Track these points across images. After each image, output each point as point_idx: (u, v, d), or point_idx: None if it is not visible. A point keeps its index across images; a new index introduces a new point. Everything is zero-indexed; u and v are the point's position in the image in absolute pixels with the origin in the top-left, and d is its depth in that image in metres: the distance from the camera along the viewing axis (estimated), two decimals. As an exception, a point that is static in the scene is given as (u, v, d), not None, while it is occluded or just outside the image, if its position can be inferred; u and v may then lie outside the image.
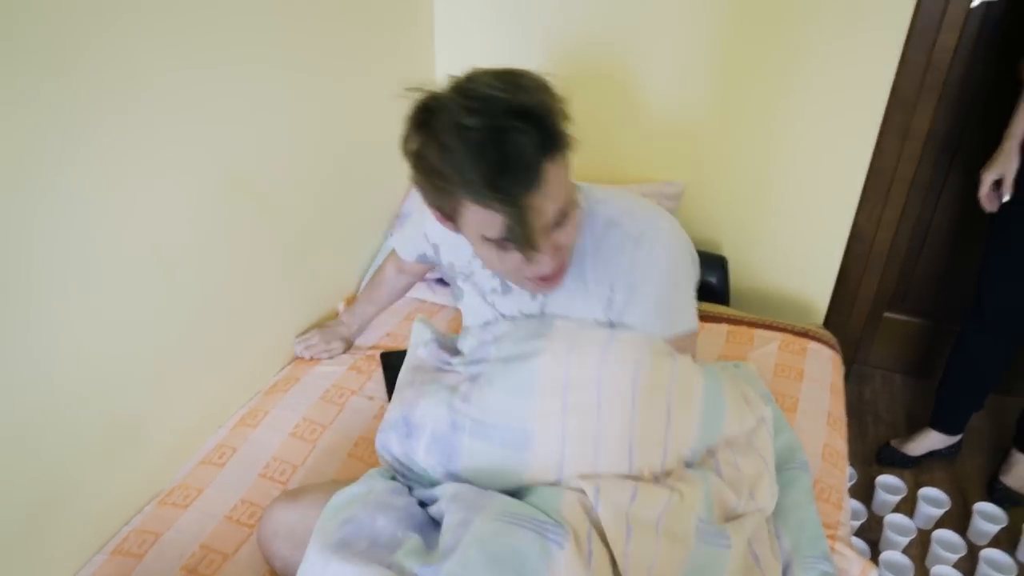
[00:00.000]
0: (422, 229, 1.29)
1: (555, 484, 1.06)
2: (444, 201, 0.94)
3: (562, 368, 1.08)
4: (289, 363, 1.60)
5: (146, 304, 1.20)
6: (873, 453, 2.06)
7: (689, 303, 1.16)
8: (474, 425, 1.08)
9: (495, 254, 0.98)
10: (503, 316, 1.21)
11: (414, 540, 0.98)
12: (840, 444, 1.50)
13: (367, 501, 1.03)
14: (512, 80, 0.90)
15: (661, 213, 1.14)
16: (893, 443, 2.05)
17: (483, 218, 0.91)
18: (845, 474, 1.46)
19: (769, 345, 1.71)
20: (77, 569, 1.14)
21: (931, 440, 2.02)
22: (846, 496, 1.42)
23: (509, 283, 1.17)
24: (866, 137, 1.80)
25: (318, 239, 1.65)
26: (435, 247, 1.28)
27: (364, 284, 1.79)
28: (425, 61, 1.99)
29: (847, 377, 2.21)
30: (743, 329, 1.77)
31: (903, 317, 2.27)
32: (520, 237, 0.91)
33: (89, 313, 1.09)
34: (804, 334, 1.77)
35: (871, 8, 1.66)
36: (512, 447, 1.07)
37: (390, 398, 1.40)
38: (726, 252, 1.98)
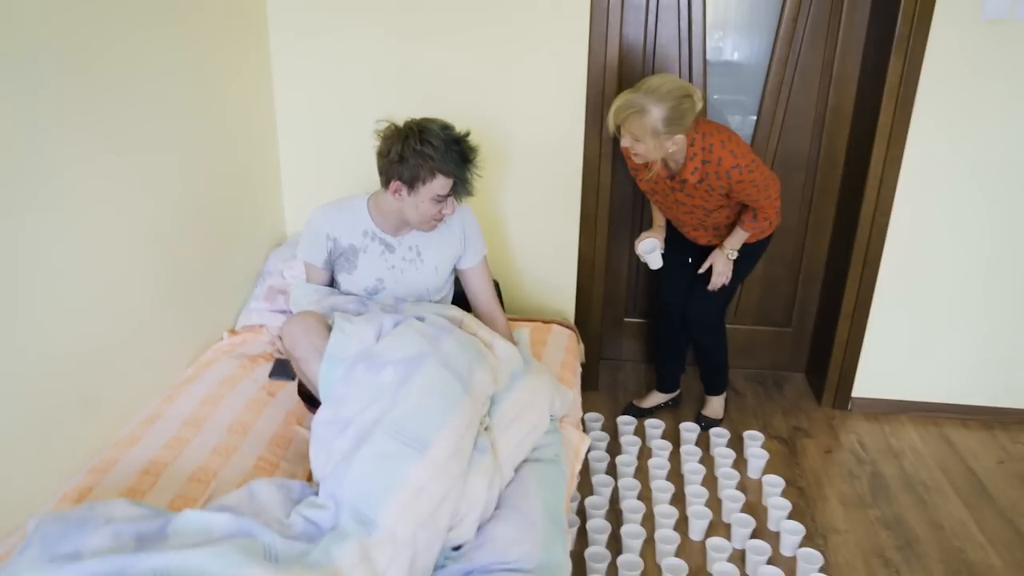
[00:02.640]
0: (321, 234, 2.06)
1: None
2: (420, 173, 1.85)
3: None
4: (191, 364, 2.26)
5: (105, 326, 1.87)
6: (621, 411, 2.91)
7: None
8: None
9: (430, 206, 1.89)
10: (392, 266, 2.07)
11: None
12: (569, 376, 2.32)
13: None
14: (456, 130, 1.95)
15: None
16: (634, 402, 2.91)
17: (443, 183, 1.88)
18: (573, 387, 2.28)
19: (526, 329, 2.54)
20: (68, 481, 1.74)
21: (656, 397, 2.90)
22: (575, 402, 2.23)
23: (401, 234, 2.07)
24: (574, 192, 2.75)
25: (206, 283, 2.35)
26: (335, 240, 2.05)
27: (239, 322, 2.50)
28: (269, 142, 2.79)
29: (600, 367, 3.08)
30: (512, 323, 2.60)
31: (637, 320, 3.20)
32: (459, 191, 1.93)
33: (66, 323, 1.75)
34: (550, 322, 2.64)
35: (563, 104, 2.64)
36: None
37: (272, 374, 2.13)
38: (498, 277, 2.83)
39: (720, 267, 2.46)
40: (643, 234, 2.53)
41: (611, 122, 2.19)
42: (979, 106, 2.52)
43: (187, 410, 2.02)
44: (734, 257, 2.46)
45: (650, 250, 2.49)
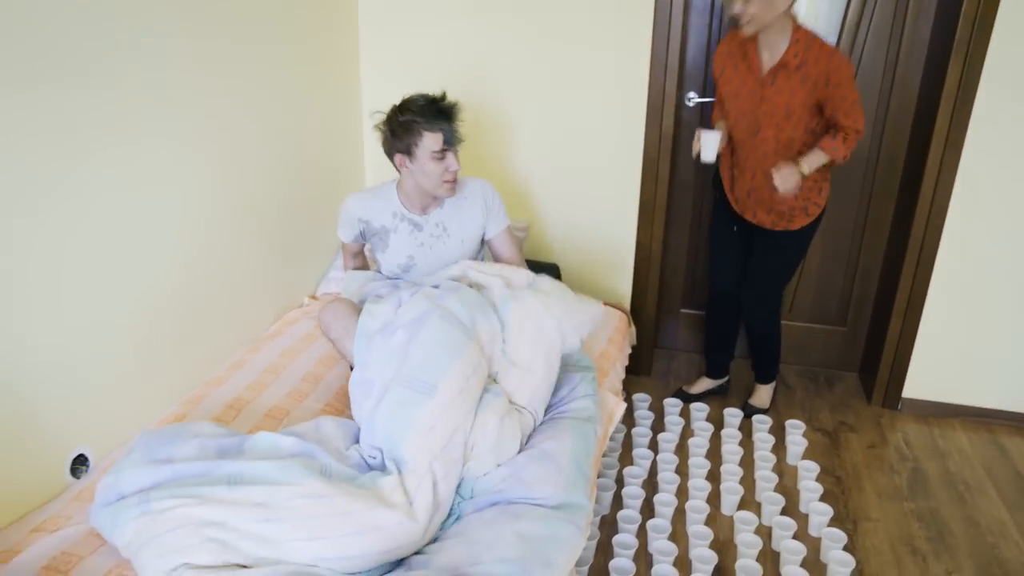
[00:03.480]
0: (353, 218, 2.29)
1: None
2: (411, 139, 2.06)
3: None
4: (275, 322, 2.54)
5: (203, 282, 2.15)
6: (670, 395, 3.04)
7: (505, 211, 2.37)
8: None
9: (433, 165, 2.08)
10: (421, 243, 2.27)
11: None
12: (614, 351, 2.49)
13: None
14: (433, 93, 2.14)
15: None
16: (683, 387, 3.04)
17: (433, 139, 2.08)
18: (618, 361, 2.44)
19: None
20: (169, 407, 2.03)
21: (704, 383, 3.02)
22: (616, 371, 2.40)
23: (423, 205, 2.27)
24: (634, 183, 2.90)
25: (293, 254, 2.62)
26: (366, 222, 2.29)
27: (319, 289, 2.77)
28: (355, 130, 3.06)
29: (655, 355, 3.22)
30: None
31: (692, 311, 3.31)
32: (451, 141, 2.10)
33: (172, 274, 2.04)
34: (604, 303, 2.80)
35: (626, 100, 2.80)
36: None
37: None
38: (558, 262, 3.02)
39: (787, 171, 2.36)
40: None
41: None
42: (1041, 111, 2.54)
43: (268, 360, 2.28)
44: (805, 172, 2.37)
45: (710, 134, 2.43)
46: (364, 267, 2.50)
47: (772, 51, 2.36)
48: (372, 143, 3.08)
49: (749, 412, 2.88)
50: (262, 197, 2.42)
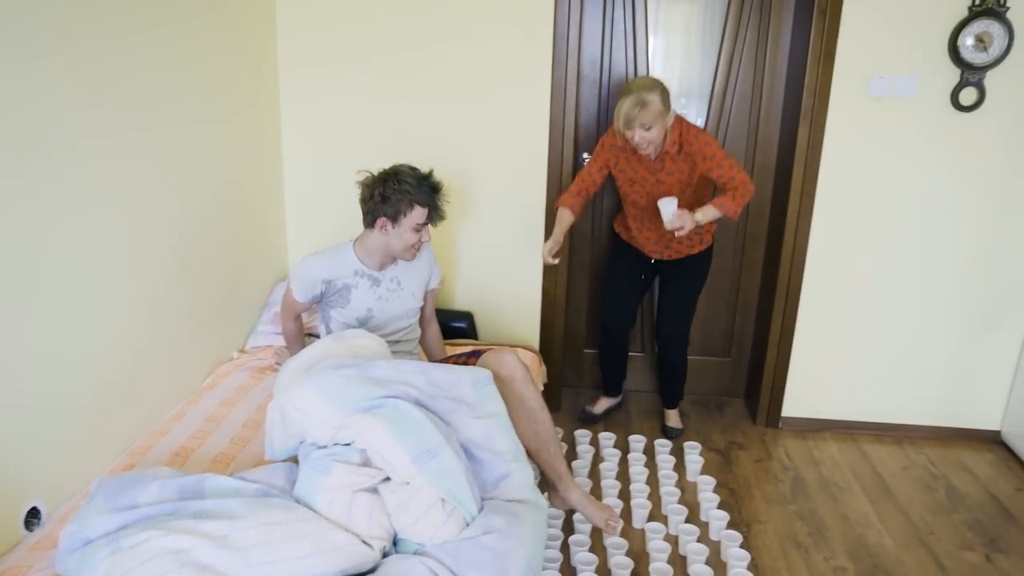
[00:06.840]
0: (316, 279, 2.41)
1: None
2: (401, 207, 2.30)
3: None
4: (208, 376, 2.65)
5: (142, 340, 2.27)
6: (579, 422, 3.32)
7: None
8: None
9: (411, 235, 2.32)
10: (379, 297, 2.45)
11: None
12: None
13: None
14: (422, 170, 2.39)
15: None
16: (587, 408, 3.37)
17: (420, 212, 2.32)
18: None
19: (496, 350, 2.97)
20: (117, 458, 2.12)
21: (605, 403, 3.38)
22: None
23: (387, 268, 2.47)
24: (538, 235, 3.21)
25: (222, 310, 2.75)
26: (329, 282, 2.41)
27: (248, 343, 2.90)
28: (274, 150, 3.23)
29: (562, 393, 3.49)
30: (482, 347, 3.02)
31: (594, 351, 3.62)
32: (435, 218, 2.37)
33: (113, 333, 2.16)
34: (516, 346, 3.06)
35: (528, 162, 3.12)
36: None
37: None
38: (472, 310, 3.27)
39: (685, 219, 2.61)
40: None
41: (622, 125, 2.62)
42: (871, 165, 3.03)
43: (208, 410, 2.41)
44: (698, 219, 2.64)
45: (668, 202, 2.65)
46: (301, 330, 2.61)
47: (655, 149, 2.72)
48: (292, 206, 3.27)
49: (672, 434, 3.21)
50: (193, 254, 2.56)
